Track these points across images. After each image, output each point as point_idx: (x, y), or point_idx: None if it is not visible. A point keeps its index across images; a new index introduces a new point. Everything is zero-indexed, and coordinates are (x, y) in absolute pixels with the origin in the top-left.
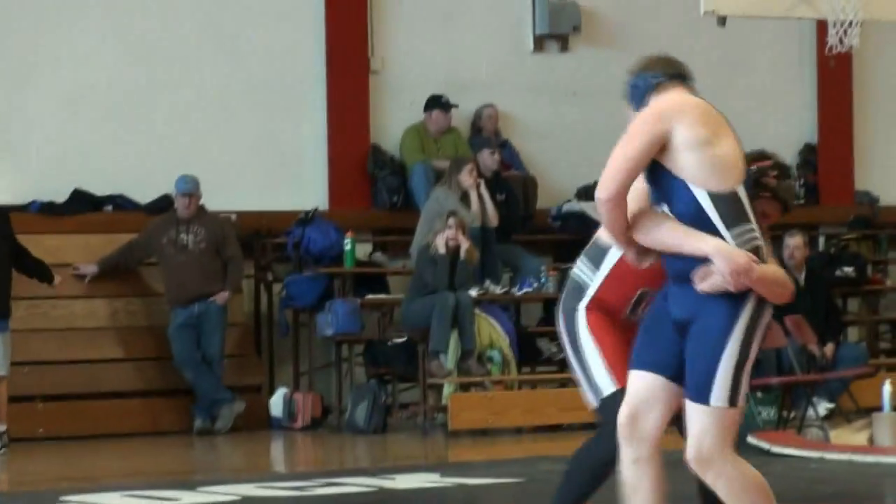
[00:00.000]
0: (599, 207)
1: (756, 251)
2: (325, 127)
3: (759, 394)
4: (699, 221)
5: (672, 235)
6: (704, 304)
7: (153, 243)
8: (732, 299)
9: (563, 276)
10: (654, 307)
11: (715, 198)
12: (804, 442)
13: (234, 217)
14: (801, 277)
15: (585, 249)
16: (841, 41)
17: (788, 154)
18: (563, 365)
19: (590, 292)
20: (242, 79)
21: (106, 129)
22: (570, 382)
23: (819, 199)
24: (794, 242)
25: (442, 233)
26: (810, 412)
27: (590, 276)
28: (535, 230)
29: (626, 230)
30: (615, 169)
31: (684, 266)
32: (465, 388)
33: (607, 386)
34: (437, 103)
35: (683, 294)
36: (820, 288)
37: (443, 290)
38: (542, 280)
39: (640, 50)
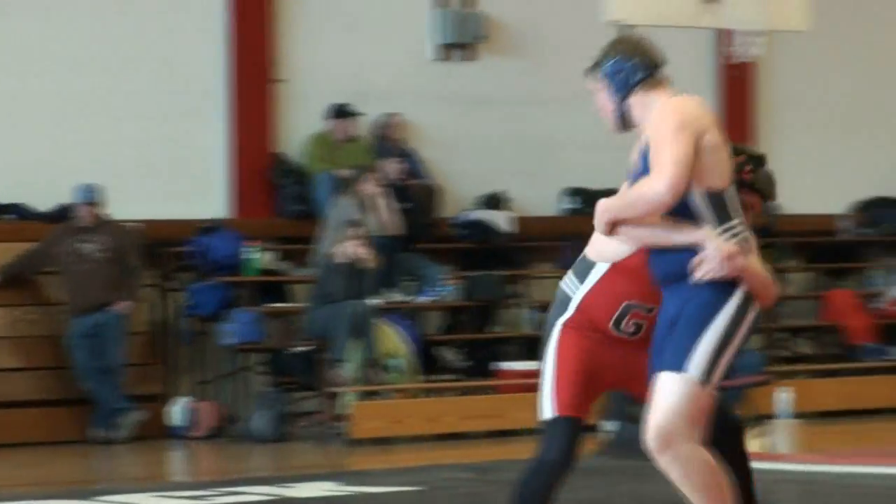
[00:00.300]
0: (653, 206)
1: (744, 243)
2: (229, 136)
3: None
4: (691, 217)
5: (663, 227)
6: (695, 293)
7: (54, 252)
8: (722, 288)
9: (469, 284)
10: (655, 323)
11: (710, 196)
12: None
13: (135, 226)
14: None
15: (574, 265)
16: (745, 50)
17: None
18: (464, 373)
19: (572, 306)
20: (146, 87)
21: (6, 137)
22: (470, 391)
23: None
24: None
25: (345, 242)
26: None
27: (575, 289)
28: (438, 239)
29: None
30: (677, 166)
31: (673, 266)
32: (366, 396)
33: (547, 411)
34: (341, 112)
35: (674, 293)
36: None
37: (345, 298)
38: (443, 288)
39: (545, 59)
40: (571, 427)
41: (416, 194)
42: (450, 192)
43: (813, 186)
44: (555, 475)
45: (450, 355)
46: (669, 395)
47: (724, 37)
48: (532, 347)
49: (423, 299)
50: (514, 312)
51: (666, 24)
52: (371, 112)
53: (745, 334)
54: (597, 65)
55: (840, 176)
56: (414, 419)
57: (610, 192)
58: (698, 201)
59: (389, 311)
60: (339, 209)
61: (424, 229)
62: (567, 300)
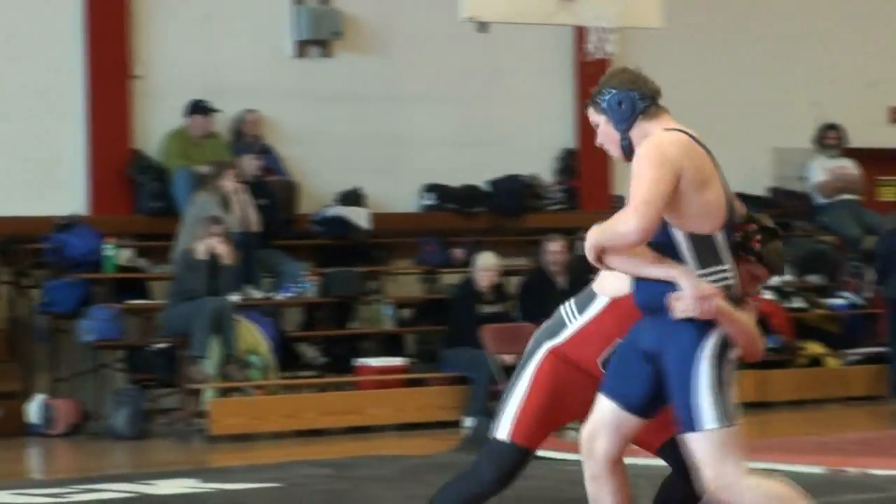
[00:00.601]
0: (624, 241)
1: (727, 290)
2: (86, 132)
3: None
4: (672, 257)
5: (644, 259)
6: (670, 336)
7: None
8: (697, 330)
9: (328, 280)
10: (627, 335)
11: (692, 238)
12: (563, 444)
13: None
14: (565, 281)
15: (578, 295)
16: (600, 47)
17: (548, 159)
18: (323, 370)
19: (565, 335)
20: (0, 83)
21: None
22: (329, 387)
23: (579, 205)
24: (554, 247)
25: (203, 238)
26: None
27: (573, 318)
28: (296, 235)
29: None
30: (648, 206)
31: (652, 297)
32: (225, 393)
33: (502, 431)
34: (199, 108)
35: (652, 325)
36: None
37: (203, 295)
38: (302, 285)
39: (402, 56)
40: (520, 457)
41: (274, 190)
42: (308, 189)
43: None
44: (484, 494)
45: (309, 352)
46: (698, 453)
47: (582, 34)
48: (390, 344)
49: (281, 296)
50: (373, 308)
51: (521, 21)
52: (229, 108)
53: (731, 369)
54: (597, 97)
55: None
56: (273, 415)
57: (468, 189)
58: (681, 241)
59: (248, 308)
60: (197, 205)
61: (283, 226)
62: (562, 325)
